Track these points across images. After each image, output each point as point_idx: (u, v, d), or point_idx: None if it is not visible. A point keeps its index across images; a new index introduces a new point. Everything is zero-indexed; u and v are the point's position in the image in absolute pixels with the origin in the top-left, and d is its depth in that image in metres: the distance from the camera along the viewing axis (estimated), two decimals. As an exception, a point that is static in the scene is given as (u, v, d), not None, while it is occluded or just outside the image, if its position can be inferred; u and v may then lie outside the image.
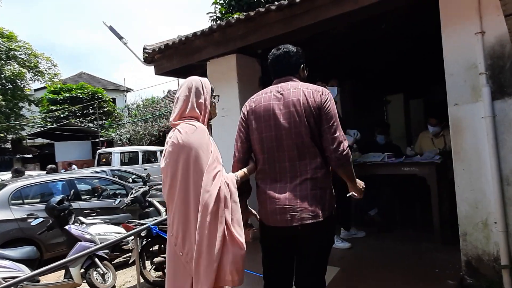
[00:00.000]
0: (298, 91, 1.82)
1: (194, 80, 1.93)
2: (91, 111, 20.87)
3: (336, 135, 1.76)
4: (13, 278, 3.23)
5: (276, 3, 3.44)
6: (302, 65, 1.99)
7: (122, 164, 13.33)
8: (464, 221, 2.79)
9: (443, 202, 3.57)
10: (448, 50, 2.82)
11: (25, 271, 3.57)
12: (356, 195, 1.97)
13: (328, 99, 1.80)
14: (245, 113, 1.93)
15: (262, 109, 1.85)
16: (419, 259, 3.26)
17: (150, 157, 14.47)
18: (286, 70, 1.94)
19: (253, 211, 2.02)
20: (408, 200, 4.33)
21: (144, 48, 4.50)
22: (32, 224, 4.70)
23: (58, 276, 4.33)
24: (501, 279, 2.60)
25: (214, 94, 2.02)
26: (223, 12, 8.82)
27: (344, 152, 1.76)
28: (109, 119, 21.70)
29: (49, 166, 8.55)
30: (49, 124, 19.40)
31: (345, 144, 1.78)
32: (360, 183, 1.95)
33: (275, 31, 3.53)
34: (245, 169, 1.90)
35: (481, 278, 2.71)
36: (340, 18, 3.24)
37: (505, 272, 2.57)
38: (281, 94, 1.84)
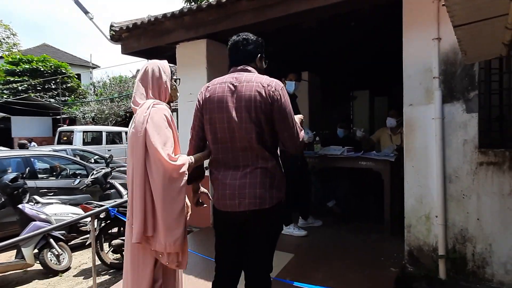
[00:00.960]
0: (251, 85, 1.82)
1: (153, 64, 1.98)
2: (53, 86, 19.81)
3: (292, 130, 1.85)
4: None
5: (249, -9, 3.44)
6: (259, 55, 2.00)
7: (85, 143, 12.87)
8: (410, 214, 3.00)
9: (394, 196, 3.81)
10: (407, 52, 2.98)
11: (-28, 250, 3.43)
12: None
13: (280, 95, 1.82)
14: (200, 102, 1.92)
15: (216, 100, 1.84)
16: (368, 248, 3.47)
17: (114, 138, 14.05)
18: (243, 59, 1.95)
19: (205, 191, 2.11)
20: (364, 193, 4.56)
21: (111, 26, 4.35)
22: (-18, 201, 4.50)
23: (9, 256, 4.20)
24: (437, 268, 2.85)
25: (174, 77, 2.06)
26: (198, -6, 8.63)
27: (302, 144, 1.93)
28: (73, 96, 20.74)
29: (20, 141, 7.98)
30: (5, 97, 18.24)
31: (301, 134, 1.91)
32: (300, 116, 2.09)
33: (246, 20, 3.54)
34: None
35: (420, 266, 2.95)
36: (310, 13, 3.31)
37: (441, 262, 2.82)
38: (234, 86, 1.84)
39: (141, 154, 1.78)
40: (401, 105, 3.05)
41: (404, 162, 3.05)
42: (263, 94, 1.79)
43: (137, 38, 4.40)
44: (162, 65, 1.99)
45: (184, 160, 1.83)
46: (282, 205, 1.91)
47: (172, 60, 4.97)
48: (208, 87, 1.93)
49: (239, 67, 1.93)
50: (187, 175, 1.82)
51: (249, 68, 1.94)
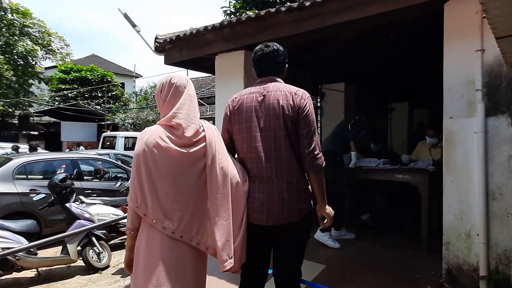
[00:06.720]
0: (279, 94, 1.85)
1: (187, 78, 1.87)
2: (99, 94, 21.07)
3: (312, 139, 1.81)
4: (12, 248, 3.38)
5: (288, 4, 3.53)
6: (286, 66, 2.04)
7: (126, 148, 13.49)
8: (449, 231, 2.89)
9: (432, 211, 3.67)
10: (448, 64, 2.90)
11: (24, 243, 3.71)
12: (325, 222, 1.94)
13: (307, 104, 1.83)
14: (228, 113, 1.95)
15: (244, 111, 1.88)
16: (403, 265, 3.37)
17: (153, 144, 14.60)
18: (272, 70, 1.97)
19: None
20: (399, 207, 4.43)
21: (156, 38, 4.60)
22: (34, 199, 4.84)
23: (55, 252, 4.48)
24: (478, 289, 2.70)
25: None
26: (238, 7, 8.89)
27: (318, 156, 1.81)
28: (116, 104, 21.90)
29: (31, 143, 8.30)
30: (57, 103, 19.63)
31: (319, 149, 1.83)
32: (330, 210, 1.92)
33: (283, 32, 3.61)
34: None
35: (459, 286, 2.81)
36: (348, 25, 3.32)
37: (483, 283, 2.67)
38: (263, 95, 1.87)
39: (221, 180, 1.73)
40: (439, 121, 2.96)
41: (443, 176, 2.95)
42: (291, 102, 1.81)
43: (179, 49, 4.62)
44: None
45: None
46: (309, 215, 1.91)
47: (210, 70, 5.16)
48: (235, 98, 1.96)
49: (266, 78, 1.96)
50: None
51: (277, 78, 1.97)
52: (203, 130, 1.74)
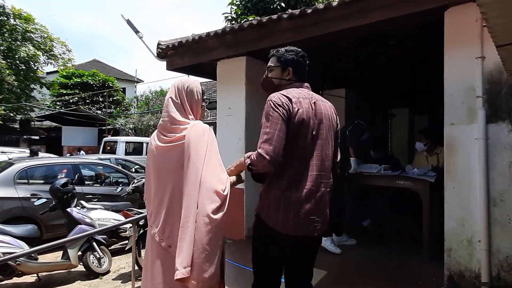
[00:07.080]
0: (326, 104, 1.87)
1: (194, 82, 1.86)
2: (100, 99, 21.13)
3: (338, 150, 1.96)
4: (12, 253, 3.37)
5: (289, 11, 3.56)
6: None
7: (127, 153, 13.51)
8: (450, 237, 2.89)
9: (434, 218, 3.67)
10: (449, 71, 2.93)
11: (24, 248, 3.71)
12: None
13: None
14: (289, 112, 1.72)
15: (305, 115, 1.74)
16: (404, 271, 3.36)
17: (154, 149, 14.59)
18: (306, 75, 1.95)
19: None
20: (400, 213, 4.42)
21: (159, 44, 4.63)
22: (35, 204, 4.84)
23: (55, 257, 4.46)
24: (480, 296, 2.70)
25: (204, 97, 1.93)
26: (239, 13, 8.96)
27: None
28: (117, 108, 21.95)
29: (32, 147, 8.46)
30: (58, 108, 19.68)
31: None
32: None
33: (285, 39, 3.64)
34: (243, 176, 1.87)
35: (461, 293, 2.81)
36: (349, 32, 3.36)
37: (485, 290, 2.67)
38: (314, 103, 1.81)
39: (196, 177, 1.59)
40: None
41: (444, 182, 2.96)
42: (334, 115, 1.92)
43: (182, 55, 4.65)
44: (198, 84, 1.87)
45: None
46: None
47: (212, 76, 5.20)
48: (292, 98, 1.75)
49: (305, 84, 1.91)
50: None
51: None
52: (185, 129, 1.68)
